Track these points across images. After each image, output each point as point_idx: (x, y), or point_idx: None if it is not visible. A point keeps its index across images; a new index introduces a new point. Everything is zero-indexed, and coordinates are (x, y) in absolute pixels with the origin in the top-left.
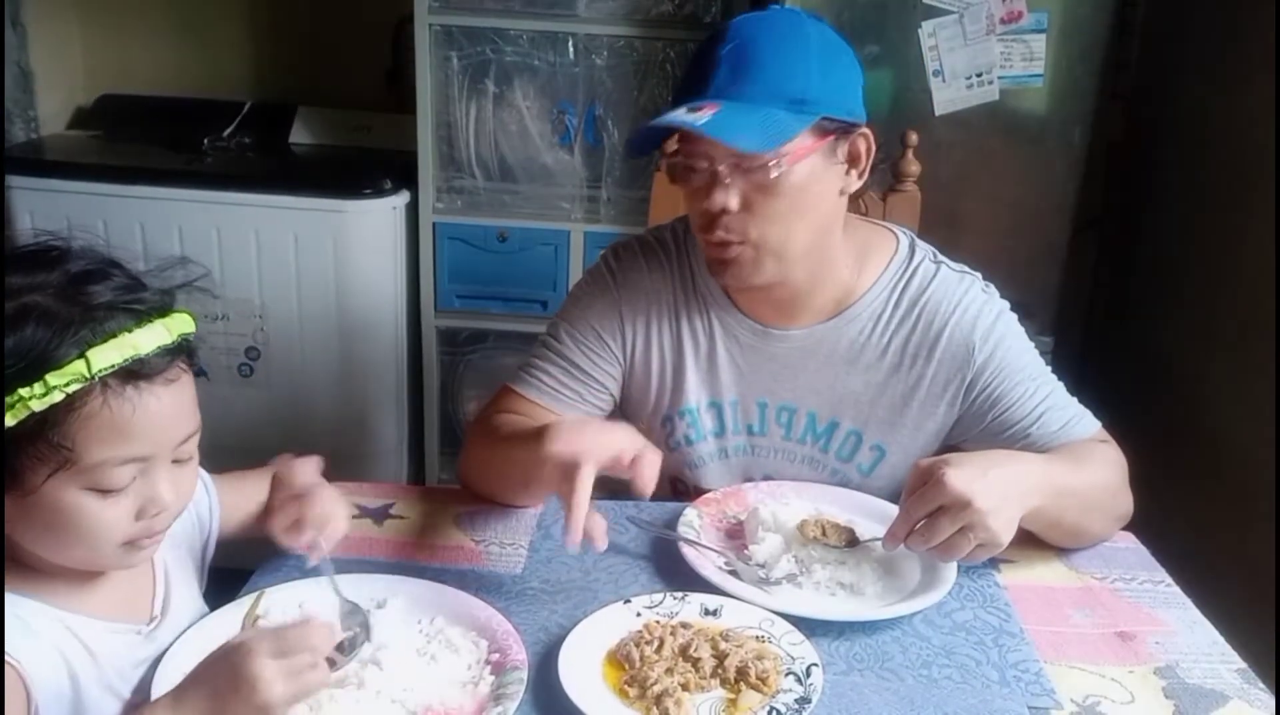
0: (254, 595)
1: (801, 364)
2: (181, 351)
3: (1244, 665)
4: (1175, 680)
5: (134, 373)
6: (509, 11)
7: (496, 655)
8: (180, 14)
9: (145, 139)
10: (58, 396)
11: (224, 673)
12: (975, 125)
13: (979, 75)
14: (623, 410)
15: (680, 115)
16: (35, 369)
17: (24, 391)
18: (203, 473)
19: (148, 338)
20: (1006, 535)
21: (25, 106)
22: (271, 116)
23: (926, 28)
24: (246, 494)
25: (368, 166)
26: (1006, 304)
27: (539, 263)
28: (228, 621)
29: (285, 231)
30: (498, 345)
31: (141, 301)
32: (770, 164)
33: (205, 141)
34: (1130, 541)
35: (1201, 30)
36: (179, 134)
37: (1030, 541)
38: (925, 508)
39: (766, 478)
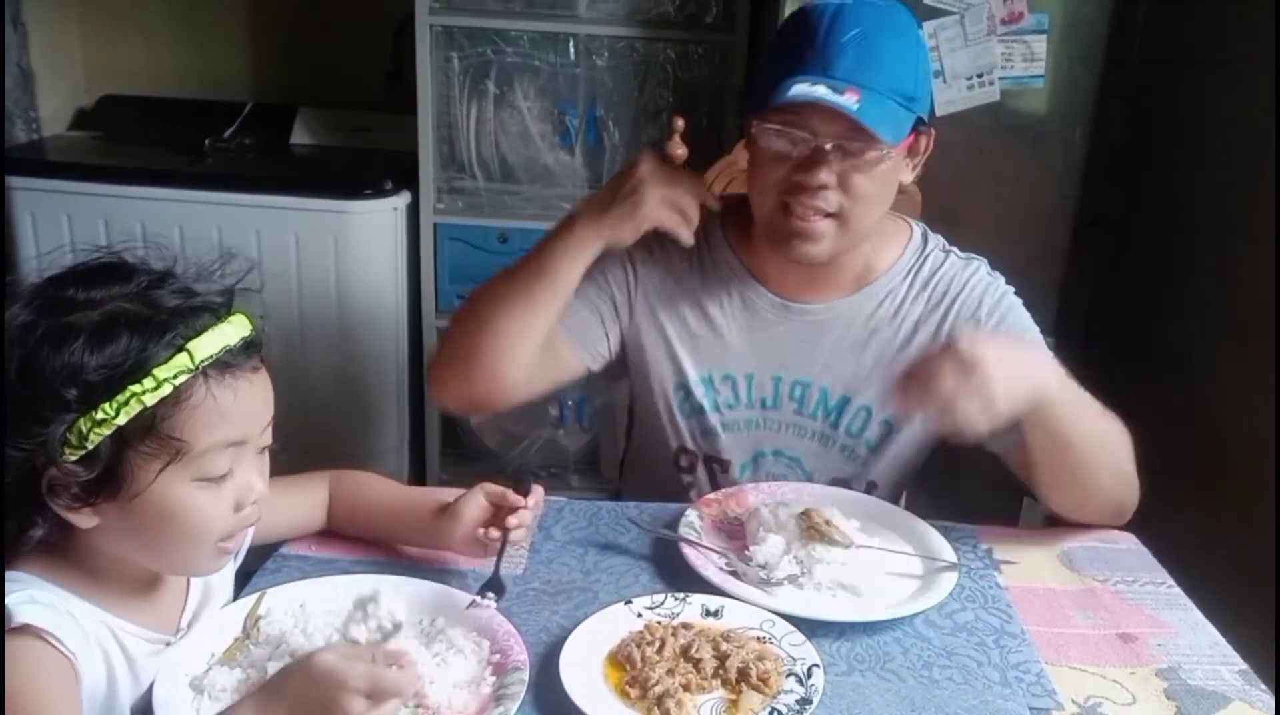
0: (255, 596)
1: (818, 339)
2: (256, 343)
3: (1245, 666)
4: (1177, 681)
5: (227, 363)
6: (510, 12)
7: (498, 656)
8: (181, 14)
9: (146, 140)
10: (167, 389)
11: (314, 700)
12: (976, 125)
13: (980, 76)
14: (632, 378)
15: (827, 94)
16: (141, 367)
17: (135, 387)
18: None
19: (233, 331)
20: (1005, 403)
21: (26, 107)
22: (272, 117)
23: (927, 28)
24: (293, 500)
25: (368, 167)
26: (1013, 288)
27: None
28: (228, 621)
29: (286, 232)
30: None
31: (213, 302)
32: (885, 154)
33: (206, 142)
34: (1131, 542)
35: (1201, 30)
36: (180, 135)
37: (1031, 542)
38: (936, 362)
39: (776, 451)
